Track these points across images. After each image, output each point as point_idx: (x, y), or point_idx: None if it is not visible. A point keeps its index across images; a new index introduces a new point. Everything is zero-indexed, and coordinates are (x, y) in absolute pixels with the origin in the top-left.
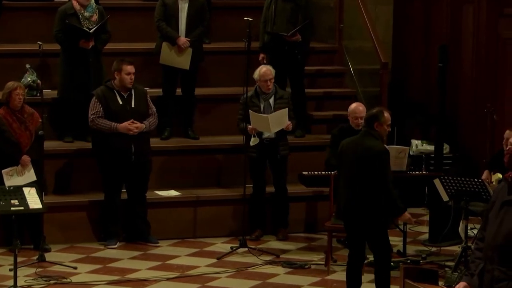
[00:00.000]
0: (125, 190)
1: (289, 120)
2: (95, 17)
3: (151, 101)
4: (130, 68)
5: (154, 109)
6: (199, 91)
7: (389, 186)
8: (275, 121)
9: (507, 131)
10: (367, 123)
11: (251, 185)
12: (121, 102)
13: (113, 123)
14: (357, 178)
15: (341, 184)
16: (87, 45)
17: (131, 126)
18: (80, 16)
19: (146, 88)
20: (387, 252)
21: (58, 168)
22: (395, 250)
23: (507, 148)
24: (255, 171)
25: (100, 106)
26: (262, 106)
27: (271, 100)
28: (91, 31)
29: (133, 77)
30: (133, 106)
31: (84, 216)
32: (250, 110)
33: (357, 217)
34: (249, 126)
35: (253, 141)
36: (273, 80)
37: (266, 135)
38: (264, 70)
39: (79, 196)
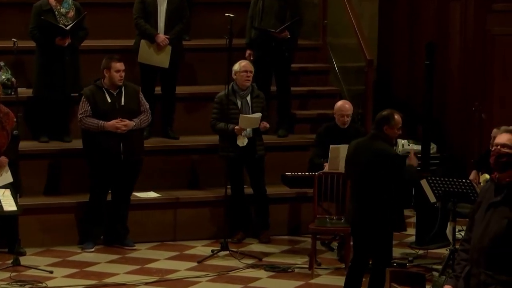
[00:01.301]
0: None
1: (263, 120)
2: (71, 14)
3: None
4: (119, 65)
5: (147, 106)
6: (179, 89)
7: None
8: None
9: (494, 130)
10: (377, 125)
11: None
12: (109, 100)
13: (101, 122)
14: (366, 183)
15: (350, 189)
16: (63, 43)
17: (119, 124)
18: (56, 12)
19: None
20: (387, 261)
21: (33, 169)
22: None
23: (493, 149)
24: (233, 172)
25: (88, 105)
26: (239, 103)
27: (248, 98)
28: (67, 28)
29: (123, 74)
30: (122, 104)
31: (61, 218)
32: (241, 115)
33: (365, 223)
34: (236, 127)
35: (243, 141)
36: (252, 75)
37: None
38: (244, 64)
39: (56, 198)
